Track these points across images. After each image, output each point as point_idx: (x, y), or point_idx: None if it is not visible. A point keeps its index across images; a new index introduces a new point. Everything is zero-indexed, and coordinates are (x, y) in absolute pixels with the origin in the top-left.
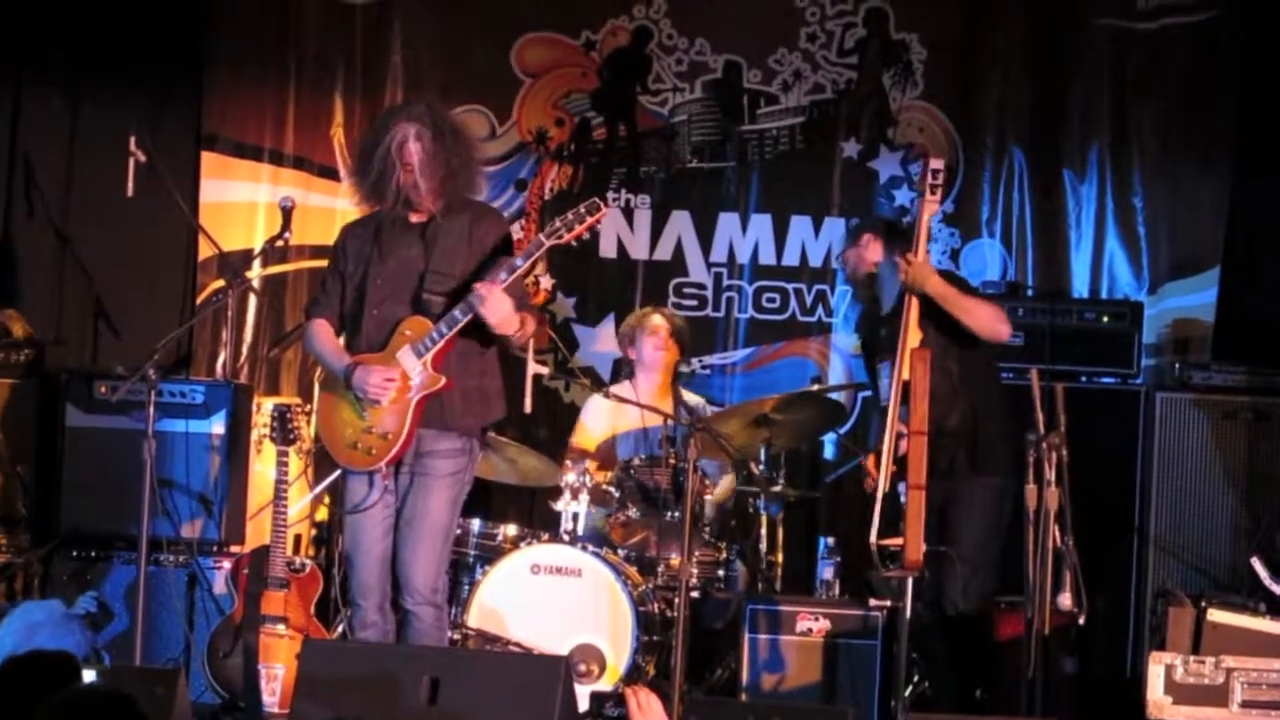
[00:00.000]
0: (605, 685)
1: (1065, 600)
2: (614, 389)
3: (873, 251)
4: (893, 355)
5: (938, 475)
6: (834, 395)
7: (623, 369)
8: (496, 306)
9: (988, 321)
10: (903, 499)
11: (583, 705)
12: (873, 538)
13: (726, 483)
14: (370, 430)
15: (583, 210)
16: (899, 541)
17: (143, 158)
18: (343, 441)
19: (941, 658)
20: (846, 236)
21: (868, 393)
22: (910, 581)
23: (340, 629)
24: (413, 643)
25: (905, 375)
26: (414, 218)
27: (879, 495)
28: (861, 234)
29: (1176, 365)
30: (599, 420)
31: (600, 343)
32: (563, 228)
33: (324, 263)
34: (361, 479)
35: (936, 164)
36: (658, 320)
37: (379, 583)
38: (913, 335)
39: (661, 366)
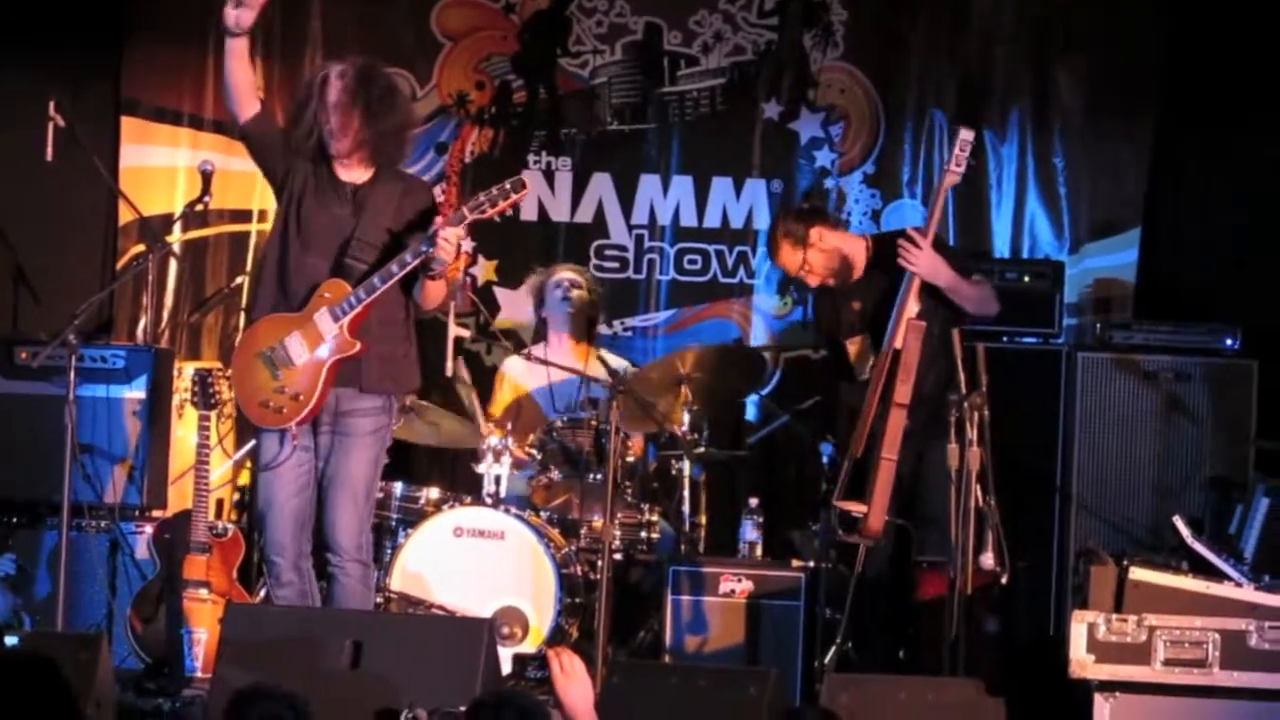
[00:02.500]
0: (529, 648)
1: (988, 560)
2: (528, 350)
3: (828, 240)
4: (865, 330)
5: (908, 437)
6: (755, 353)
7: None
8: (450, 248)
9: (981, 303)
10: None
11: (506, 668)
12: (835, 499)
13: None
14: (282, 390)
15: (507, 187)
16: (861, 507)
17: (62, 123)
18: (255, 399)
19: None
20: (783, 238)
21: (789, 355)
22: (863, 548)
23: (263, 592)
24: (341, 601)
25: (898, 344)
26: (343, 174)
27: (850, 458)
28: (809, 228)
29: (1098, 325)
30: (516, 381)
31: (521, 305)
32: (486, 202)
33: (244, 227)
34: (273, 436)
35: (966, 135)
36: (563, 274)
37: (292, 540)
38: (911, 304)
39: (567, 321)
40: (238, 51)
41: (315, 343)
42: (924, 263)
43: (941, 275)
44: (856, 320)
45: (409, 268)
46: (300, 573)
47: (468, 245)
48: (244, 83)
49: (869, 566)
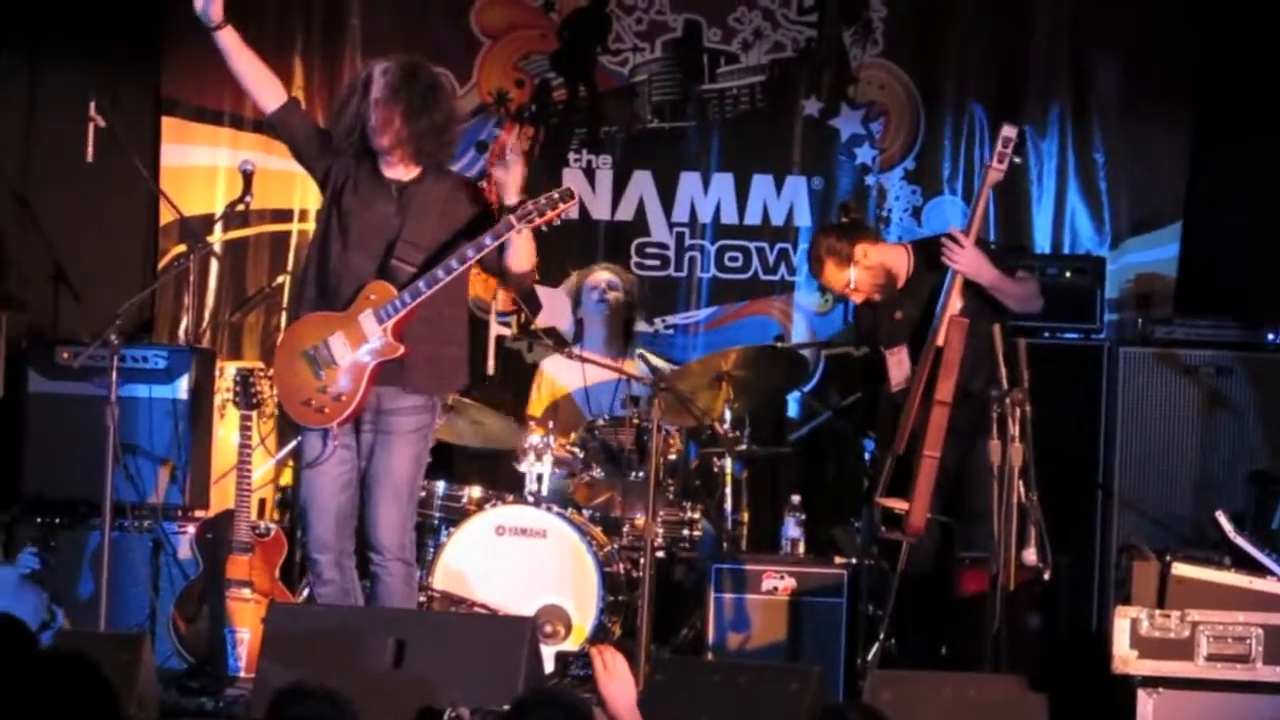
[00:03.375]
0: (571, 646)
1: (1030, 556)
2: (566, 348)
3: (873, 256)
4: (906, 338)
5: (955, 433)
6: (798, 352)
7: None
8: (524, 245)
9: (1024, 300)
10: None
11: (549, 666)
12: (878, 495)
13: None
14: (325, 390)
15: (555, 196)
16: (904, 505)
17: (102, 123)
18: (298, 398)
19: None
20: (827, 255)
21: (829, 351)
22: (905, 546)
23: (306, 592)
24: (383, 600)
25: (940, 341)
26: (387, 172)
27: (892, 455)
28: (853, 245)
29: (1139, 320)
30: (554, 380)
31: (563, 303)
32: (534, 211)
33: (285, 226)
34: (315, 435)
35: (1009, 131)
36: (600, 274)
37: (335, 538)
38: (955, 301)
39: (604, 320)
40: (227, 46)
41: (358, 343)
42: (967, 260)
43: (985, 273)
44: (897, 330)
45: (455, 273)
46: (342, 571)
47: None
48: (253, 75)
49: (912, 564)
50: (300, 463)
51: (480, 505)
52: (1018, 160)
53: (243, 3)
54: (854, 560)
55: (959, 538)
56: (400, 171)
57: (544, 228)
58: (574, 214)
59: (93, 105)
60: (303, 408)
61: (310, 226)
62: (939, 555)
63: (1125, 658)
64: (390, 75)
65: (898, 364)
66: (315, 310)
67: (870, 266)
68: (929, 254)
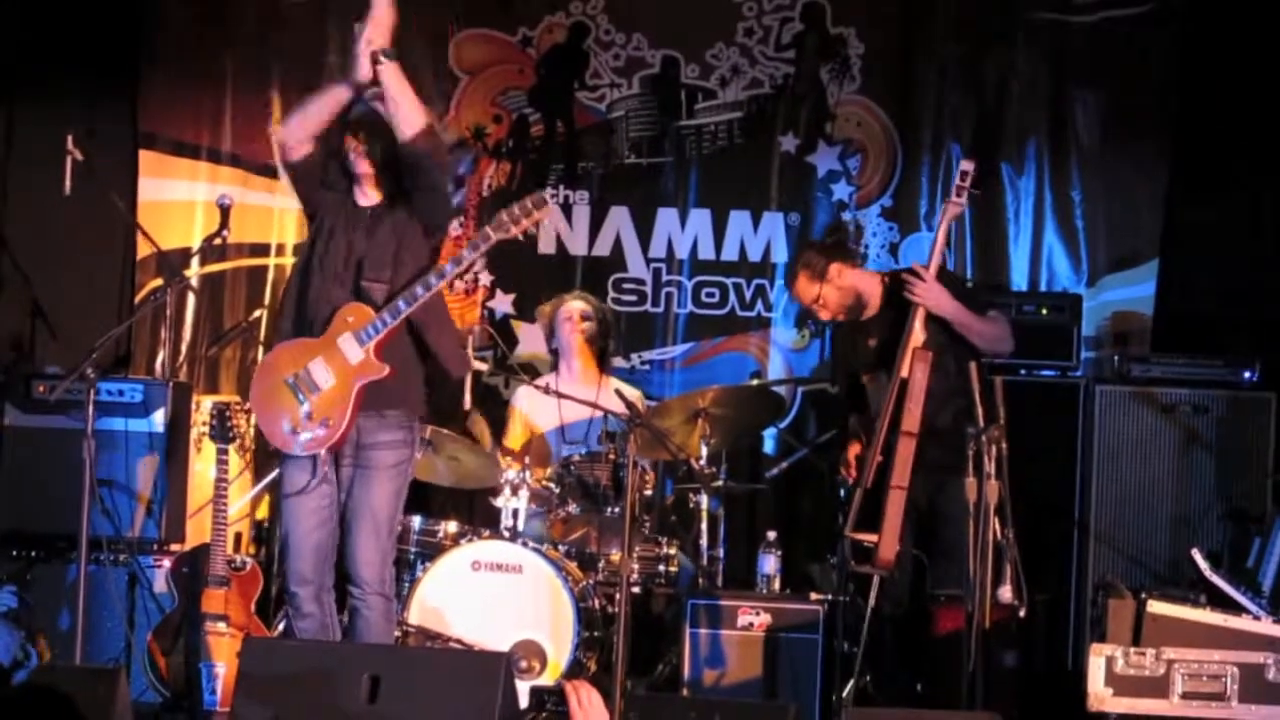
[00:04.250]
0: (546, 681)
1: (1006, 593)
2: (540, 381)
3: (846, 278)
4: (882, 364)
5: (926, 470)
6: (775, 390)
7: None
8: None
9: (992, 341)
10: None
11: (524, 701)
12: (848, 529)
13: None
14: (311, 416)
15: (529, 204)
16: (873, 537)
17: (80, 156)
18: (282, 427)
19: (891, 651)
20: (801, 269)
21: (805, 387)
22: (877, 579)
23: (281, 627)
24: (362, 634)
25: (904, 373)
26: (361, 200)
27: (859, 490)
28: (829, 263)
29: (1116, 358)
30: (527, 415)
31: (540, 339)
32: (509, 221)
33: (262, 260)
34: (301, 464)
35: (966, 165)
36: (573, 304)
37: (314, 572)
38: (918, 334)
39: (578, 350)
40: (335, 101)
41: (340, 367)
42: (927, 294)
43: (946, 307)
44: (871, 356)
45: (434, 289)
46: (321, 605)
47: (485, 279)
48: (320, 124)
49: (885, 599)
50: (278, 495)
51: (456, 540)
52: (976, 193)
53: (218, 36)
54: (830, 596)
55: (931, 574)
56: (371, 198)
57: (521, 237)
58: (545, 238)
59: (70, 139)
60: (289, 436)
61: (287, 261)
62: (912, 590)
63: (1100, 695)
64: (375, 111)
65: (875, 389)
66: (294, 337)
67: (842, 287)
68: (900, 285)
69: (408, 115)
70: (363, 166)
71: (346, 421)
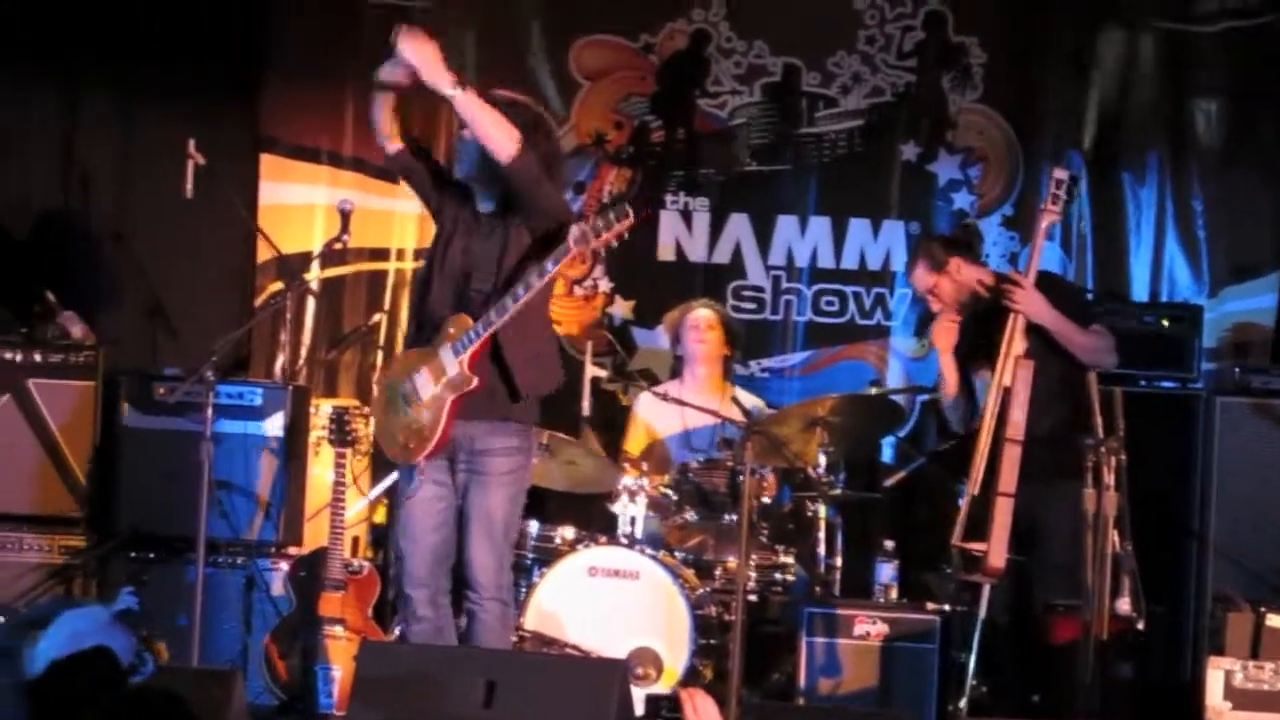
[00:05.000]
0: (662, 689)
1: (1124, 605)
2: (661, 388)
3: (965, 273)
4: (991, 362)
5: (1024, 479)
6: (893, 398)
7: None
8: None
9: (1094, 353)
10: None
11: (639, 709)
12: (955, 539)
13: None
14: (410, 426)
15: (611, 216)
16: (982, 546)
17: (201, 160)
18: (389, 435)
19: (1007, 661)
20: (922, 257)
21: (924, 396)
22: (986, 588)
23: (398, 630)
24: (478, 638)
25: (1006, 381)
26: (481, 205)
27: (967, 498)
28: (950, 256)
29: (1236, 369)
30: (649, 422)
31: (659, 345)
32: (590, 232)
33: (382, 265)
34: (407, 472)
35: (1060, 174)
36: (700, 312)
37: (429, 575)
38: (1018, 343)
39: (704, 358)
40: (383, 104)
41: (439, 378)
42: (1025, 301)
43: (1044, 315)
44: (985, 353)
45: (522, 300)
46: (436, 608)
47: (605, 285)
48: (385, 130)
49: (994, 606)
50: (395, 500)
51: (573, 546)
52: (1065, 197)
53: (340, 40)
54: (946, 606)
55: (1036, 584)
56: (486, 203)
57: (603, 250)
58: (665, 244)
59: (192, 143)
60: (391, 444)
61: (407, 265)
62: (1018, 597)
63: (1218, 709)
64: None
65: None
66: (414, 345)
67: (959, 281)
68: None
69: (495, 144)
70: (464, 170)
71: (439, 434)
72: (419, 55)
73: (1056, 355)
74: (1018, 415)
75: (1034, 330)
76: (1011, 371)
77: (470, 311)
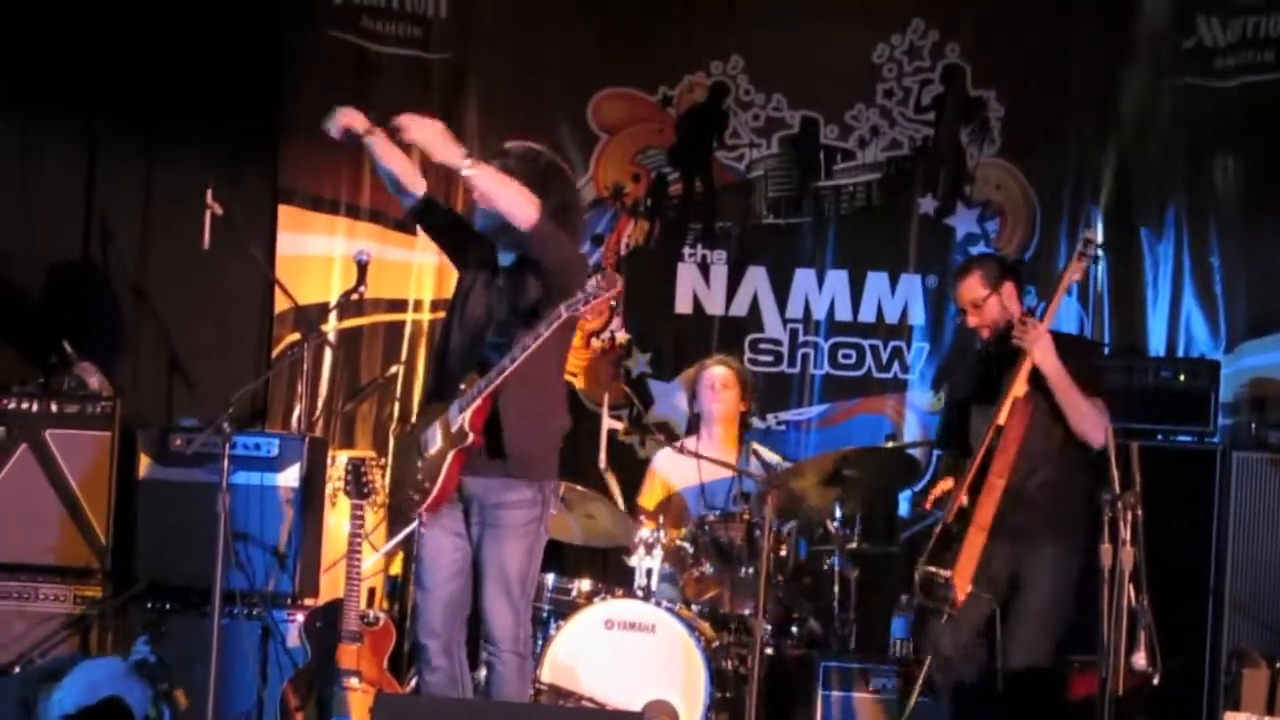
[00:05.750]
0: None
1: (1140, 660)
2: (677, 443)
3: (1012, 301)
4: (992, 400)
5: (1010, 535)
6: (909, 451)
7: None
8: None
9: (1085, 420)
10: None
11: None
12: (922, 562)
13: None
14: (416, 477)
15: (600, 282)
16: (947, 573)
17: (219, 210)
18: (401, 486)
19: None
20: (977, 269)
21: (940, 450)
22: (945, 618)
23: (414, 682)
24: (496, 690)
25: (1001, 420)
26: (502, 259)
27: (941, 525)
28: (1004, 280)
29: (1253, 424)
30: (666, 476)
31: (676, 398)
32: (579, 300)
33: (399, 316)
34: (418, 522)
35: (1090, 235)
36: (715, 370)
37: (443, 625)
38: (1020, 385)
39: (720, 417)
40: (377, 151)
41: (445, 433)
42: (1033, 340)
43: (1048, 362)
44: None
45: (518, 362)
46: (450, 658)
47: (622, 336)
48: (399, 172)
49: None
50: (411, 551)
51: (590, 599)
52: (1094, 258)
53: (359, 91)
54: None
55: (1009, 640)
56: (507, 255)
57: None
58: (682, 297)
59: (209, 193)
60: (398, 493)
61: (425, 316)
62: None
63: None
64: (505, 160)
65: (980, 423)
66: (431, 398)
67: (1005, 305)
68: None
69: (513, 213)
70: (483, 225)
71: (439, 487)
72: (426, 138)
73: (1059, 420)
74: (1004, 456)
75: (1040, 389)
76: (1008, 411)
77: (485, 365)
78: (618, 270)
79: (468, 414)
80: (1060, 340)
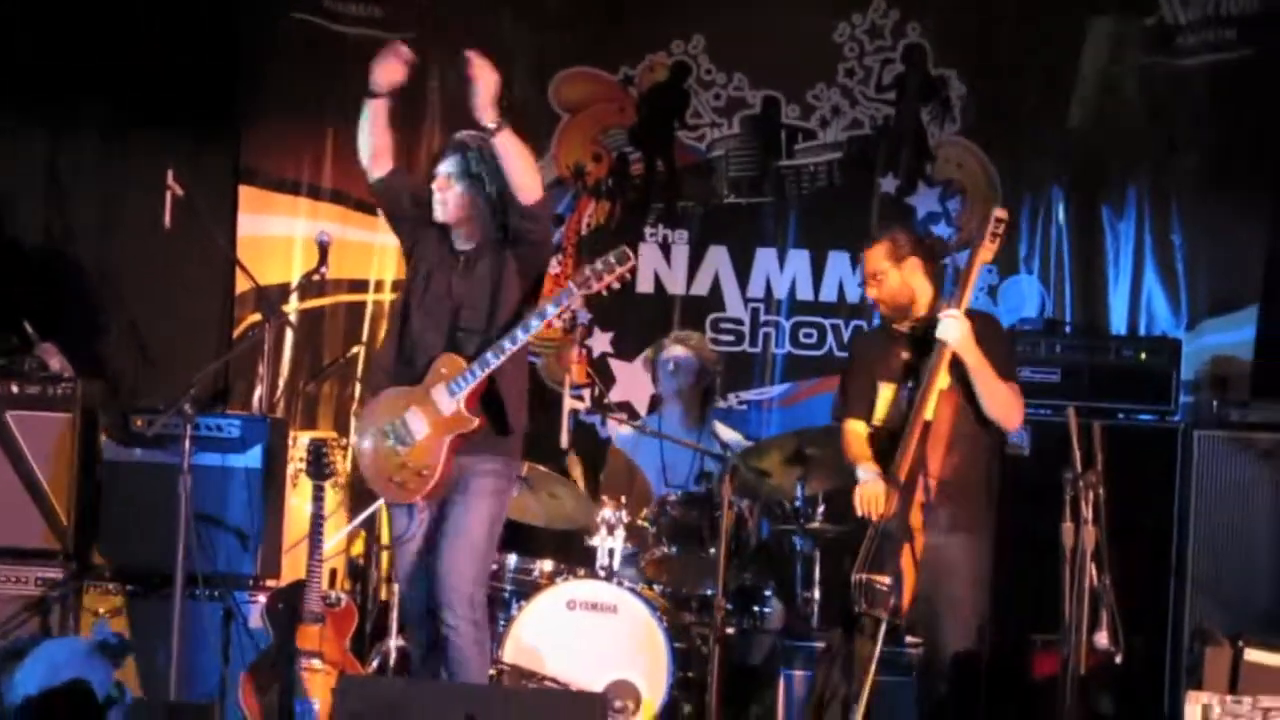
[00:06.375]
0: None
1: (1102, 639)
2: (638, 421)
3: (914, 276)
4: (904, 381)
5: (929, 524)
6: None
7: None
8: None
9: (1002, 405)
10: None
11: None
12: (857, 570)
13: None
14: (406, 465)
15: (612, 260)
16: (885, 579)
17: (180, 192)
18: (383, 475)
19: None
20: (885, 240)
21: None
22: (884, 623)
23: (375, 663)
24: (455, 663)
25: (928, 416)
26: (458, 244)
27: (872, 529)
28: (912, 254)
29: (1215, 403)
30: (629, 455)
31: (637, 377)
32: (592, 277)
33: (360, 297)
34: (401, 511)
35: (1000, 213)
36: (674, 349)
37: (441, 593)
38: (942, 377)
39: (678, 394)
40: (378, 112)
41: (433, 418)
42: (947, 326)
43: (965, 345)
44: (899, 372)
45: (521, 342)
46: (456, 614)
47: (584, 317)
48: (381, 143)
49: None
50: (372, 533)
51: (552, 579)
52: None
53: (320, 72)
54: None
55: (937, 626)
56: (465, 242)
57: (605, 292)
58: (644, 277)
59: (170, 174)
60: (388, 484)
61: (386, 297)
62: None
63: None
64: (453, 148)
65: (892, 402)
66: (392, 381)
67: (906, 280)
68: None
69: (524, 184)
70: (448, 215)
71: (439, 473)
72: (486, 81)
73: (972, 403)
74: (937, 451)
75: (960, 378)
76: (933, 405)
77: (460, 349)
78: (579, 250)
79: (462, 396)
80: (975, 322)
